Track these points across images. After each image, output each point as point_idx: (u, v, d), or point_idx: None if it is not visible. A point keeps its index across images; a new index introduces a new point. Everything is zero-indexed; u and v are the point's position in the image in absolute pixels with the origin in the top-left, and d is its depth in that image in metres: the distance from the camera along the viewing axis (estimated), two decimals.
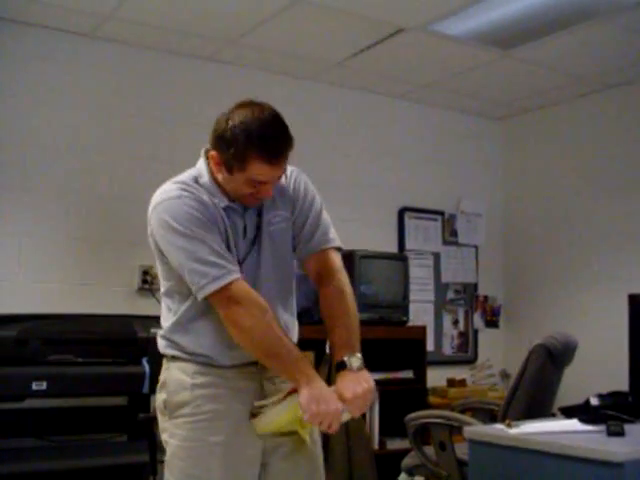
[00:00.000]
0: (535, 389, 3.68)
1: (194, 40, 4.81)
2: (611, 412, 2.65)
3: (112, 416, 4.16)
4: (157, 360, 2.45)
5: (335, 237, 2.47)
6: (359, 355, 2.31)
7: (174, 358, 2.35)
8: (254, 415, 2.28)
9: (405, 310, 5.23)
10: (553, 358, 3.71)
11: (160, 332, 2.42)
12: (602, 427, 2.58)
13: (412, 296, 5.44)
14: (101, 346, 3.94)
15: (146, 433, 3.94)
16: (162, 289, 2.43)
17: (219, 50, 4.92)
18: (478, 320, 6.19)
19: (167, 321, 2.38)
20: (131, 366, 3.93)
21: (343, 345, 2.32)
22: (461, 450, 3.54)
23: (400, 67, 5.27)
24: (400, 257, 5.45)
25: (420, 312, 5.76)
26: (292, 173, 2.44)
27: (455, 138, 6.20)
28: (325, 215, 2.49)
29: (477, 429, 2.93)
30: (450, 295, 6.09)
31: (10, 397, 3.73)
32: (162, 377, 2.38)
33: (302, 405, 2.15)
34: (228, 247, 2.26)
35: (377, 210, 5.68)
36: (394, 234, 5.81)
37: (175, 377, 2.33)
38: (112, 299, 4.61)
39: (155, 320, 3.96)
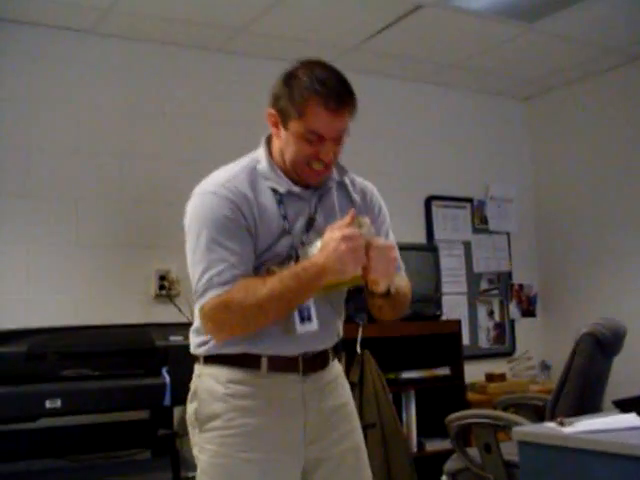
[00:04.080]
0: (585, 382, 3.47)
1: (201, 30, 4.61)
2: None
3: (133, 432, 3.98)
4: (178, 370, 2.27)
5: (400, 263, 2.32)
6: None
7: (206, 361, 2.16)
8: None
9: (438, 303, 5.07)
10: (602, 347, 3.49)
11: (192, 327, 2.23)
12: None
13: (444, 288, 5.31)
14: (118, 358, 3.74)
15: (169, 449, 3.74)
16: None
17: (227, 40, 4.72)
18: (514, 310, 6.00)
19: None
20: (151, 378, 3.72)
21: None
22: (507, 451, 3.38)
23: (419, 48, 5.04)
24: (430, 248, 5.28)
25: (453, 305, 5.59)
26: (369, 186, 2.38)
27: (480, 121, 6.01)
28: (392, 236, 2.38)
29: (527, 429, 2.74)
30: (483, 285, 5.90)
31: (23, 417, 3.54)
32: (193, 386, 2.21)
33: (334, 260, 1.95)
34: (270, 238, 2.11)
35: (403, 200, 5.44)
36: (422, 224, 5.65)
37: (206, 386, 2.15)
38: (128, 308, 4.41)
39: (174, 327, 3.84)
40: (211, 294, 2.02)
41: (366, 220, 2.04)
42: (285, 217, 2.12)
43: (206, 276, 2.02)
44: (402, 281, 2.27)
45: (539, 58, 5.30)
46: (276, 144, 2.16)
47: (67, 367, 3.59)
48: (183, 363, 2.42)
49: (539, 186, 6.17)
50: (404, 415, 4.75)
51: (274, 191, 2.13)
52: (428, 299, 4.96)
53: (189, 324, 2.27)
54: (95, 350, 3.71)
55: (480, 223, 5.90)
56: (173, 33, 4.62)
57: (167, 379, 3.69)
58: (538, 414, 3.96)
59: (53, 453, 3.75)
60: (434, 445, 4.79)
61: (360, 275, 2.01)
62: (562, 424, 2.49)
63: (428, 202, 5.67)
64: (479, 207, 5.91)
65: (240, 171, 2.15)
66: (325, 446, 2.18)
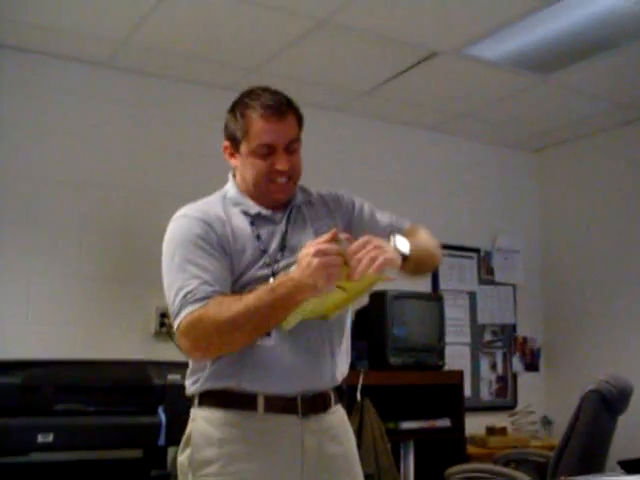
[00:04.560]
0: (589, 440, 3.38)
1: (214, 68, 4.61)
2: None
3: (126, 471, 3.85)
4: (174, 409, 2.21)
5: (400, 217, 2.36)
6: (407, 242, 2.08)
7: (201, 402, 2.10)
8: None
9: (441, 353, 4.96)
10: (608, 405, 3.41)
11: (188, 369, 2.18)
12: None
13: (447, 338, 5.19)
14: (113, 394, 3.69)
15: None
16: None
17: (240, 79, 4.69)
18: (517, 363, 5.92)
19: None
20: (146, 416, 3.68)
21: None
22: None
23: (433, 95, 5.03)
24: (434, 297, 5.21)
25: (456, 355, 5.50)
26: (336, 192, 2.38)
27: (490, 171, 6.00)
28: (380, 211, 2.37)
29: None
30: (487, 337, 5.83)
31: (14, 451, 3.46)
32: (187, 430, 2.13)
33: (306, 272, 1.85)
34: (246, 260, 2.10)
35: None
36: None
37: (201, 430, 2.08)
38: (127, 344, 4.34)
39: (173, 366, 3.77)
40: (185, 311, 1.97)
41: (342, 235, 1.93)
42: (259, 237, 2.13)
43: (180, 294, 1.99)
44: (419, 235, 2.24)
45: (552, 110, 5.29)
46: (238, 174, 2.23)
47: (61, 401, 3.54)
48: (180, 402, 2.35)
49: (547, 238, 6.12)
50: (402, 466, 4.66)
51: (245, 213, 2.17)
52: (431, 349, 4.88)
53: (187, 363, 2.20)
54: (91, 385, 3.66)
55: (486, 274, 5.85)
56: (185, 70, 4.61)
57: (162, 418, 3.64)
58: (540, 471, 3.90)
59: None
60: None
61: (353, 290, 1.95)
62: None
63: None
64: (486, 258, 5.86)
65: (211, 199, 2.23)
66: None
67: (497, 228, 5.93)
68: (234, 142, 2.19)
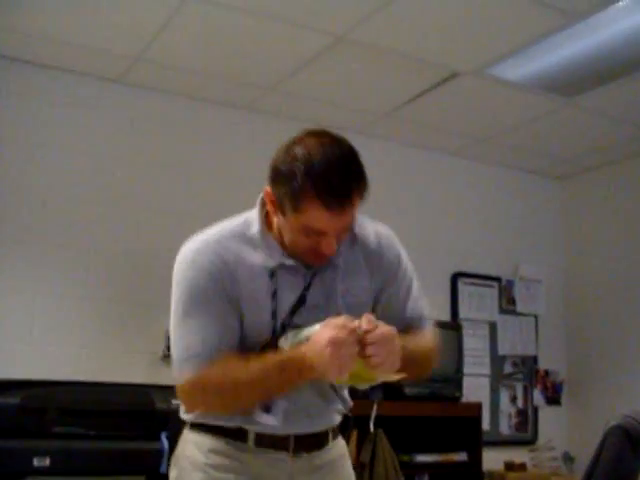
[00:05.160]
0: (613, 479, 3.18)
1: (228, 87, 4.53)
2: None
3: None
4: (178, 435, 2.09)
5: (428, 316, 2.09)
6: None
7: (192, 427, 2.00)
8: None
9: (458, 385, 4.85)
10: (633, 442, 3.22)
11: None
12: None
13: (466, 369, 5.09)
14: (115, 418, 3.60)
15: None
16: None
17: (255, 99, 4.62)
18: (538, 397, 5.78)
19: None
20: (148, 441, 3.58)
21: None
22: None
23: (454, 118, 4.93)
24: (453, 326, 5.09)
25: (474, 387, 5.36)
26: (381, 235, 2.05)
27: (512, 198, 5.89)
28: (416, 288, 2.09)
29: None
30: (507, 369, 5.68)
31: (8, 474, 3.33)
32: (176, 451, 2.05)
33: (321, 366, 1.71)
34: (255, 320, 1.88)
35: (428, 275, 5.10)
36: (447, 301, 5.48)
37: (188, 453, 1.98)
38: (133, 367, 4.23)
39: None
40: (187, 371, 1.84)
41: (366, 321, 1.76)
42: (274, 294, 1.89)
43: (182, 351, 1.86)
44: (421, 339, 2.01)
45: (577, 135, 5.16)
46: (274, 219, 1.91)
47: (60, 424, 3.45)
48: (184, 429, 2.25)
49: (570, 268, 6.00)
50: None
51: (265, 263, 1.90)
52: (448, 379, 4.76)
53: None
54: (91, 408, 3.58)
55: (507, 304, 5.72)
56: (200, 87, 4.53)
57: (165, 444, 3.55)
58: None
59: None
60: None
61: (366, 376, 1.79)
62: None
63: (454, 279, 5.51)
64: (507, 287, 5.73)
65: (228, 235, 1.91)
66: None
67: (519, 257, 5.81)
68: (280, 204, 1.82)
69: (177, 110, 4.64)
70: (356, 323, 1.72)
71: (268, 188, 1.85)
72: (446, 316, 5.39)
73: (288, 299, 1.89)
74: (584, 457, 3.52)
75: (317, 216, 1.76)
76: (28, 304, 4.09)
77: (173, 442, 3.35)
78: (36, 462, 3.28)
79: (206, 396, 1.86)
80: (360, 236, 2.00)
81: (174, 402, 3.58)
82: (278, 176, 1.80)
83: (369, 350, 1.70)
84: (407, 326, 1.99)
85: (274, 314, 1.87)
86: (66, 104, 4.33)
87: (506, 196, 5.84)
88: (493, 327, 5.64)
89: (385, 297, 2.02)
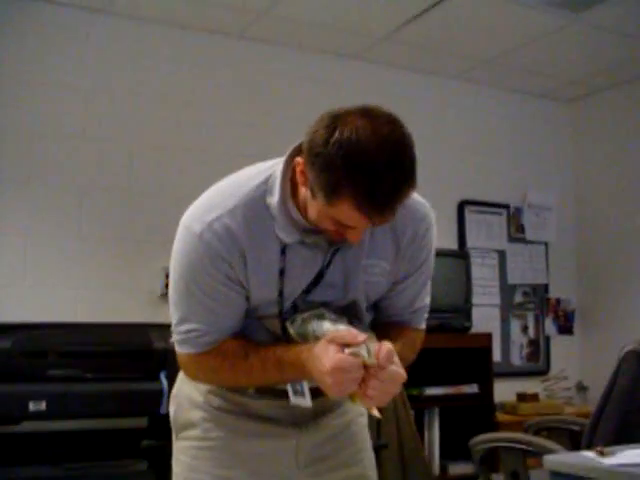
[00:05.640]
0: (629, 406, 3.10)
1: (219, 14, 4.33)
2: None
3: (128, 440, 3.65)
4: (177, 374, 1.99)
5: (426, 317, 1.95)
6: None
7: None
8: None
9: (467, 315, 4.81)
10: None
11: None
12: None
13: (475, 299, 5.04)
14: (112, 359, 3.51)
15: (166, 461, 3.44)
16: None
17: (246, 25, 4.43)
18: (550, 326, 5.73)
19: None
20: (147, 382, 3.50)
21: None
22: (537, 477, 3.04)
23: (456, 39, 4.72)
24: (460, 254, 5.02)
25: (484, 317, 5.30)
26: (417, 217, 1.81)
27: (520, 123, 5.74)
28: (429, 285, 1.93)
29: (561, 458, 2.42)
30: (518, 298, 5.62)
31: (3, 419, 3.29)
32: (174, 389, 1.99)
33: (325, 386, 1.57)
34: (260, 299, 1.72)
35: (434, 203, 4.94)
36: (453, 230, 5.38)
37: (186, 392, 1.91)
38: (132, 307, 4.16)
39: None
40: (187, 350, 1.74)
41: (375, 346, 1.58)
42: (282, 272, 1.69)
43: (182, 328, 1.73)
44: (410, 348, 1.88)
45: (585, 54, 4.96)
46: (302, 183, 1.64)
47: (55, 367, 3.37)
48: None
49: (581, 194, 5.90)
50: (426, 435, 4.56)
51: (279, 237, 1.69)
52: (457, 310, 4.73)
53: None
54: (87, 350, 3.50)
55: (516, 232, 5.63)
56: (190, 16, 4.36)
57: (165, 384, 3.46)
58: (573, 440, 3.64)
59: (37, 459, 3.47)
60: (458, 469, 4.58)
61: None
62: (602, 454, 2.21)
63: (461, 207, 5.41)
64: (516, 214, 5.64)
65: (242, 201, 1.66)
66: (322, 471, 1.87)
67: (528, 183, 5.70)
68: (311, 185, 1.56)
69: (166, 40, 4.47)
70: (362, 338, 1.55)
71: (301, 159, 1.59)
72: (453, 245, 5.32)
73: (303, 276, 1.71)
74: (598, 386, 3.44)
75: (350, 216, 1.53)
76: (20, 246, 3.99)
77: (172, 382, 3.28)
78: (32, 406, 3.21)
79: (204, 374, 1.79)
80: (396, 217, 1.67)
81: (172, 341, 3.50)
82: (313, 157, 1.52)
83: (372, 385, 1.54)
84: (406, 321, 1.89)
85: (281, 293, 1.70)
86: (48, 37, 4.18)
87: (513, 120, 5.71)
88: (502, 256, 5.56)
89: (401, 286, 1.84)
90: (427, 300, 1.93)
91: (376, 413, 1.63)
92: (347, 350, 1.53)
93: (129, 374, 3.49)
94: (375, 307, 1.87)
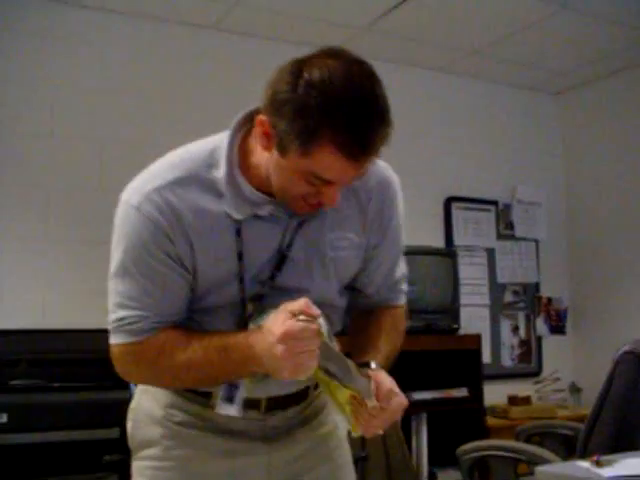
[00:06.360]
0: (626, 410, 3.00)
1: (195, 5, 4.20)
2: None
3: (100, 453, 3.48)
4: None
5: (405, 289, 1.86)
6: None
7: None
8: None
9: (455, 316, 4.69)
10: None
11: None
12: None
13: (463, 299, 4.96)
14: (79, 367, 3.41)
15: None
16: None
17: (222, 16, 4.29)
18: (541, 326, 5.67)
19: None
20: (117, 391, 3.24)
21: (377, 353, 1.70)
22: None
23: (440, 29, 4.60)
24: (447, 253, 4.90)
25: (473, 318, 5.24)
26: (383, 181, 1.73)
27: (506, 116, 5.66)
28: (402, 257, 1.84)
29: (555, 470, 2.30)
30: (508, 297, 5.55)
31: None
32: (132, 403, 1.83)
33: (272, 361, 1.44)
34: (214, 280, 1.57)
35: (420, 200, 5.09)
36: (440, 227, 5.30)
37: (146, 405, 1.76)
38: (103, 311, 3.92)
39: None
40: (120, 340, 1.58)
41: (372, 385, 1.52)
42: (240, 255, 1.56)
43: (116, 315, 1.58)
44: (395, 342, 1.82)
45: (572, 45, 4.84)
46: (258, 152, 1.55)
47: (18, 376, 3.25)
48: None
49: (571, 189, 5.84)
50: (414, 442, 4.43)
51: (230, 213, 1.56)
52: (444, 310, 4.61)
53: None
54: (53, 357, 3.40)
55: (505, 228, 5.57)
56: (162, 8, 4.23)
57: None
58: (567, 446, 3.57)
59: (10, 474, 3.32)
60: (447, 477, 4.46)
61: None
62: (599, 464, 2.07)
63: (448, 203, 5.32)
64: (504, 211, 5.57)
65: (185, 179, 1.55)
66: None
67: (516, 178, 5.63)
68: (280, 141, 1.45)
69: (138, 32, 4.35)
70: (317, 311, 1.43)
71: (263, 117, 1.48)
72: (440, 243, 5.23)
73: (262, 256, 1.58)
74: (592, 387, 3.42)
75: (330, 164, 1.43)
76: None
77: None
78: None
79: (138, 369, 1.61)
80: (359, 182, 1.63)
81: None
82: (282, 105, 1.43)
83: (375, 424, 1.52)
84: (383, 300, 1.80)
85: (241, 279, 1.56)
86: (23, 31, 4.05)
87: (500, 114, 5.63)
88: (491, 254, 5.51)
89: (374, 263, 1.75)
90: (404, 270, 1.83)
91: (359, 432, 1.55)
92: (301, 317, 1.41)
93: (97, 382, 3.33)
94: (351, 289, 1.76)
